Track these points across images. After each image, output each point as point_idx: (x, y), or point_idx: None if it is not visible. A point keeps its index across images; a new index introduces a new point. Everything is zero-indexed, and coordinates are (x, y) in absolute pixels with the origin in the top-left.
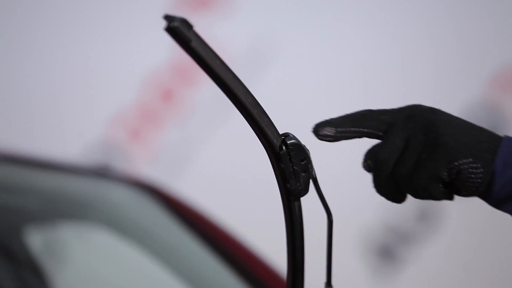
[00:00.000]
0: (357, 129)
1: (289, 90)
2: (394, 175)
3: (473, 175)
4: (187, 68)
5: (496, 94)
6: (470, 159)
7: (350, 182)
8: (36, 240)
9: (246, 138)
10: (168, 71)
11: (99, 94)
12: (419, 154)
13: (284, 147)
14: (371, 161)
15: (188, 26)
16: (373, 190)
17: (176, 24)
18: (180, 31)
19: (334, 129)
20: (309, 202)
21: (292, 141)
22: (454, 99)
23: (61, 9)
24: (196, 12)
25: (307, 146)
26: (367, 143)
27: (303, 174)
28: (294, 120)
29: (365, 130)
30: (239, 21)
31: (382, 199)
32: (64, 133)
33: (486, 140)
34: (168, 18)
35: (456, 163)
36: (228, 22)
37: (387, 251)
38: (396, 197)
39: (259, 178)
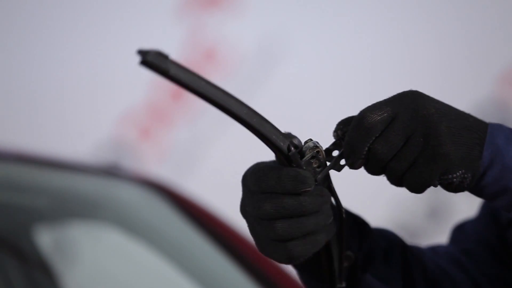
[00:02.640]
0: (366, 146)
1: (298, 88)
2: (386, 167)
3: (462, 183)
4: (197, 67)
5: (506, 91)
6: (463, 170)
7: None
8: (46, 238)
9: (255, 136)
10: None
11: (109, 93)
12: (416, 157)
13: (292, 148)
14: (365, 152)
15: (163, 56)
16: (382, 187)
17: (149, 59)
18: (154, 64)
19: (361, 160)
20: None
21: (296, 139)
22: (464, 96)
23: (73, 9)
24: (206, 11)
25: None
26: None
27: (317, 168)
28: (304, 117)
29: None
30: (249, 20)
31: (391, 197)
32: (73, 132)
33: (477, 143)
34: (141, 53)
35: (449, 176)
36: (238, 21)
37: None
38: (375, 173)
39: None
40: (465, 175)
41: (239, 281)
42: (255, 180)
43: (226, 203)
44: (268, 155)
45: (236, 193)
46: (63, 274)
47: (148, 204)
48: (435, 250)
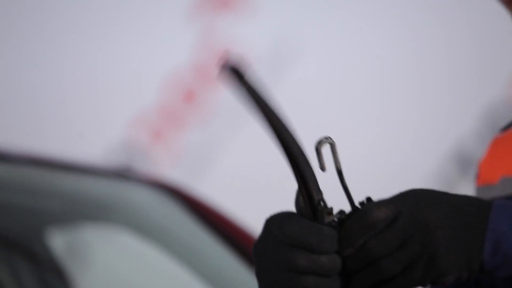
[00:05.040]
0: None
1: (310, 91)
2: (376, 265)
3: (458, 280)
4: (209, 69)
5: None
6: (457, 272)
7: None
8: (58, 242)
9: (268, 140)
10: (190, 72)
11: (121, 95)
12: (411, 262)
13: (322, 203)
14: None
15: (240, 75)
16: (389, 185)
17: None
18: (236, 72)
19: (352, 249)
20: (332, 196)
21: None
22: (476, 98)
23: (84, 9)
24: (218, 13)
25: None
26: (385, 141)
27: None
28: (315, 120)
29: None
30: (261, 22)
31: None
32: (86, 135)
33: (476, 238)
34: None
35: (442, 279)
36: (249, 23)
37: None
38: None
39: (281, 179)
40: (460, 275)
41: (251, 283)
42: (290, 232)
43: (239, 205)
44: (280, 159)
45: (248, 196)
46: (75, 277)
47: (160, 207)
48: None
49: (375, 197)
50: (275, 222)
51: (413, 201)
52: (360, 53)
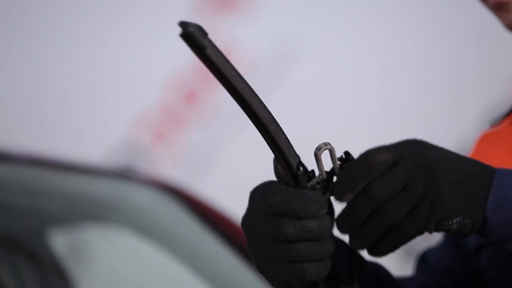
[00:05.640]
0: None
1: (311, 90)
2: (381, 211)
3: (462, 229)
4: None
5: None
6: (461, 217)
7: None
8: (60, 242)
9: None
10: (192, 73)
11: (123, 96)
12: (415, 204)
13: (301, 167)
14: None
15: (203, 33)
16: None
17: (191, 30)
18: (195, 37)
19: (352, 194)
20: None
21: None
22: (477, 97)
23: (86, 10)
24: (220, 13)
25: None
26: (386, 140)
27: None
28: (317, 119)
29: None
30: (262, 22)
31: None
32: (87, 135)
33: (480, 188)
34: (182, 24)
35: (446, 222)
36: (251, 23)
37: (412, 249)
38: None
39: None
40: (464, 222)
41: (253, 283)
42: (273, 201)
43: (240, 205)
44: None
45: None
46: (77, 277)
47: (162, 207)
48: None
49: None
50: (259, 193)
51: (415, 145)
52: (361, 52)
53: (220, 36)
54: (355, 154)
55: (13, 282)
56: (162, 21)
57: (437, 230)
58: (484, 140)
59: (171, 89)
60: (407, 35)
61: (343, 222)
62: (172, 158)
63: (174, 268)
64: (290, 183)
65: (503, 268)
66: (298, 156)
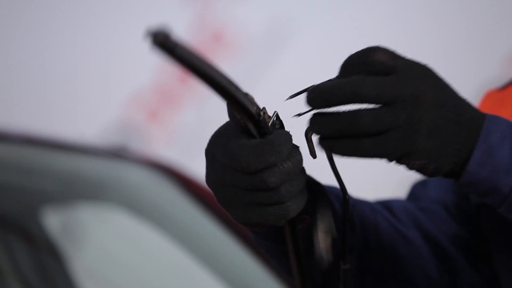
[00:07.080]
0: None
1: (306, 70)
2: (356, 113)
3: (422, 170)
4: (205, 49)
5: None
6: (426, 161)
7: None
8: (53, 221)
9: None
10: None
11: (117, 75)
12: (389, 128)
13: (262, 114)
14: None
15: (170, 37)
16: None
17: (160, 39)
18: (164, 44)
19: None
20: (324, 180)
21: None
22: (470, 78)
23: None
24: None
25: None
26: None
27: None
28: None
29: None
30: (257, 2)
31: (400, 179)
32: (81, 114)
33: (458, 140)
34: (152, 35)
35: (408, 161)
36: (245, 3)
37: None
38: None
39: None
40: (427, 166)
41: (246, 262)
42: (246, 162)
43: None
44: None
45: None
46: (70, 256)
47: (155, 186)
48: (387, 205)
49: (374, 195)
50: (219, 148)
51: (420, 72)
52: (356, 31)
53: (214, 16)
54: None
55: (7, 260)
56: (156, 2)
57: (398, 162)
58: (490, 98)
59: (165, 68)
60: (400, 17)
61: (317, 93)
62: (166, 137)
63: (167, 247)
64: (253, 131)
65: (501, 226)
66: (254, 103)
